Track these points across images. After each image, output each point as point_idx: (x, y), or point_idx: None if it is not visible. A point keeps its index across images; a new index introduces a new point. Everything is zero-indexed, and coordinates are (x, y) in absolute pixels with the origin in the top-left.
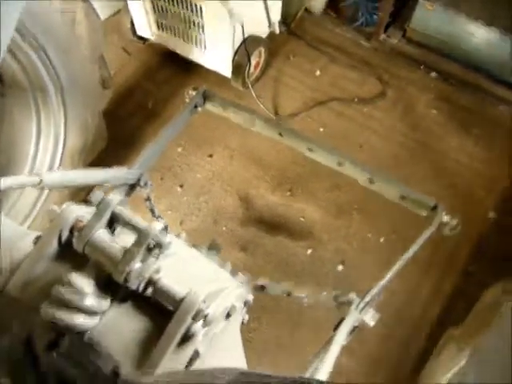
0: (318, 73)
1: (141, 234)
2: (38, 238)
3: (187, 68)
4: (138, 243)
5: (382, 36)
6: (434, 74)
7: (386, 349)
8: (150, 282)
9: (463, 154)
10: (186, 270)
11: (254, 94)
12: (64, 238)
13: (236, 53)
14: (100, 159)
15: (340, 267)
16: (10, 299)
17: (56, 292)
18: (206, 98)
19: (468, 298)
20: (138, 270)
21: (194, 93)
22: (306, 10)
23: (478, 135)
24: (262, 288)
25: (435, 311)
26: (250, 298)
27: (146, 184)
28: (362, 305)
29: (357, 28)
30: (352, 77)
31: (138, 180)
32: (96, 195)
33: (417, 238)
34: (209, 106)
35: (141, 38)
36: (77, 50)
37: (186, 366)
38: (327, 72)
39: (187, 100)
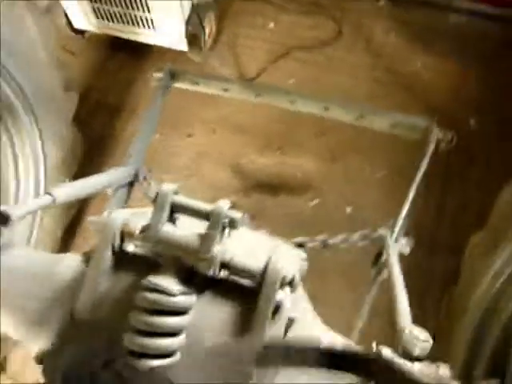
0: (271, 25)
1: (213, 215)
2: (86, 255)
3: (138, 52)
4: (213, 225)
5: None
6: (382, 2)
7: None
8: (224, 263)
9: (431, 71)
10: (244, 243)
11: (214, 63)
12: (117, 246)
13: (187, 23)
14: (80, 167)
15: (348, 210)
16: (81, 324)
17: (142, 299)
18: (173, 76)
19: (475, 210)
20: (220, 252)
21: (159, 74)
22: None
23: (441, 50)
24: (301, 246)
25: (445, 230)
26: (305, 258)
27: (145, 178)
28: (395, 235)
29: None
30: (306, 22)
31: (136, 176)
32: (152, 190)
33: (415, 163)
34: (178, 84)
35: (80, 32)
36: (33, 55)
37: (284, 334)
38: (280, 23)
39: (154, 84)
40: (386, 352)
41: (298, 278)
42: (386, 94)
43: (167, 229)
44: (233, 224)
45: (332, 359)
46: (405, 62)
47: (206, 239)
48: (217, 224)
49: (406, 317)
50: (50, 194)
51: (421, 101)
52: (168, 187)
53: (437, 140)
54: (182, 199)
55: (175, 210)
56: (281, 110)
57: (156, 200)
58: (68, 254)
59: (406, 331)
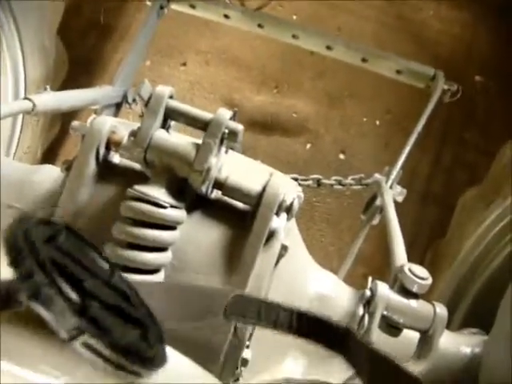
0: None
1: (212, 123)
2: (66, 163)
3: None
4: (211, 134)
5: None
6: None
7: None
8: (218, 182)
9: (442, 21)
10: (240, 165)
11: None
12: (101, 155)
13: None
14: (64, 89)
15: (342, 156)
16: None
17: (128, 209)
18: None
19: (470, 166)
20: (215, 166)
21: None
22: None
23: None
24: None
25: (438, 183)
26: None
27: (134, 100)
28: (390, 181)
29: None
30: None
31: (125, 97)
32: (145, 89)
33: (413, 113)
34: (174, 6)
35: None
36: None
37: (276, 264)
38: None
39: (149, 2)
40: (382, 288)
41: (296, 205)
42: (393, 41)
43: (160, 134)
44: (233, 136)
45: (305, 325)
46: (416, 8)
47: (202, 149)
48: (216, 133)
49: (402, 256)
50: (29, 99)
51: (428, 51)
52: (163, 89)
53: (442, 91)
54: (178, 104)
55: (170, 115)
56: (281, 47)
57: (149, 103)
58: (47, 165)
59: (406, 268)
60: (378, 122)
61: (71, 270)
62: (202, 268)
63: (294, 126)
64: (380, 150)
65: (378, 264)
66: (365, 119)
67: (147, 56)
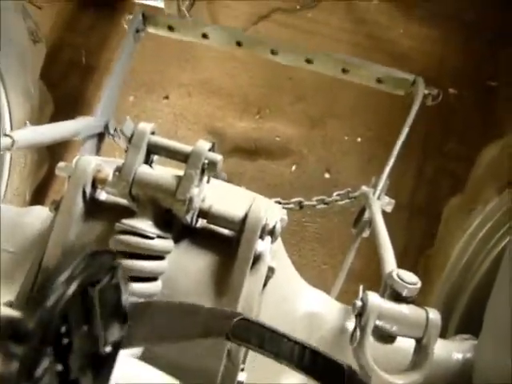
0: None
1: (192, 155)
2: (54, 203)
3: (111, 7)
4: (192, 165)
5: None
6: None
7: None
8: (202, 211)
9: (413, 38)
10: (222, 192)
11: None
12: (88, 194)
13: None
14: None
15: (327, 175)
16: (50, 273)
17: (116, 242)
18: (146, 18)
19: (453, 175)
20: (198, 196)
21: (131, 17)
22: None
23: (423, 16)
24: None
25: (423, 195)
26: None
27: (115, 130)
28: (378, 192)
29: None
30: None
31: (106, 128)
32: (127, 126)
33: (392, 128)
34: (151, 29)
35: None
36: None
37: (264, 286)
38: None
39: (126, 27)
40: (373, 297)
41: (278, 228)
42: (367, 58)
43: (143, 169)
44: (212, 166)
45: (307, 360)
46: (386, 27)
47: (184, 180)
48: (196, 164)
49: (392, 263)
50: (9, 136)
51: (401, 67)
52: (145, 126)
53: (423, 95)
54: (159, 139)
55: (152, 150)
56: (260, 74)
57: (131, 139)
58: (36, 207)
59: (394, 273)
60: (359, 139)
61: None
62: (191, 295)
63: (277, 149)
64: (363, 166)
65: (372, 280)
66: (346, 137)
67: (130, 91)
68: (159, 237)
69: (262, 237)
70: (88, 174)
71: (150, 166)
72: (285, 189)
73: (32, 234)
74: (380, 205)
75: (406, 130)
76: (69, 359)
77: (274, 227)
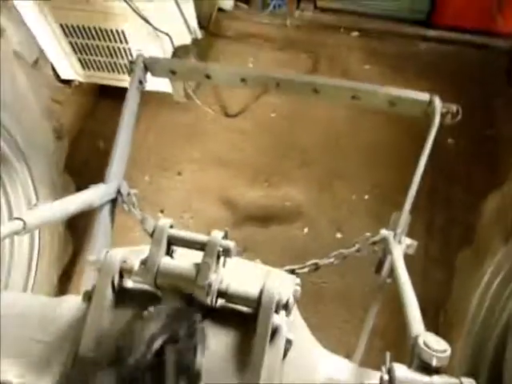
0: (250, 64)
1: (208, 244)
2: (87, 294)
3: (124, 97)
4: (208, 254)
5: (297, 12)
6: (355, 33)
7: None
8: (221, 292)
9: None
10: (238, 272)
11: (199, 102)
12: (116, 284)
13: None
14: (76, 219)
15: (339, 235)
16: (86, 362)
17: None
18: (147, 67)
19: (463, 224)
20: (216, 280)
21: (133, 64)
22: (219, 9)
23: (413, 76)
24: (293, 271)
25: (436, 246)
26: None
27: (129, 194)
28: (398, 235)
29: (271, 13)
30: (283, 58)
31: (119, 192)
32: (149, 224)
33: (397, 183)
34: (156, 76)
35: (66, 82)
36: (25, 107)
37: (284, 357)
38: (259, 60)
39: (129, 75)
40: (400, 371)
41: (292, 301)
42: (365, 116)
43: (165, 261)
44: (227, 252)
45: None
46: None
47: (202, 268)
48: (212, 253)
49: (417, 321)
50: (20, 218)
51: (397, 125)
52: (164, 222)
53: (441, 115)
54: (177, 232)
55: (172, 242)
56: (266, 145)
57: (153, 235)
58: (67, 296)
59: (420, 340)
60: (367, 197)
61: None
62: (217, 372)
63: (288, 213)
64: (374, 221)
65: (396, 338)
66: (354, 197)
67: (145, 171)
68: None
69: (277, 311)
70: (116, 266)
71: (171, 256)
72: (299, 251)
73: (65, 324)
74: (401, 249)
75: (426, 152)
76: None
77: (288, 301)
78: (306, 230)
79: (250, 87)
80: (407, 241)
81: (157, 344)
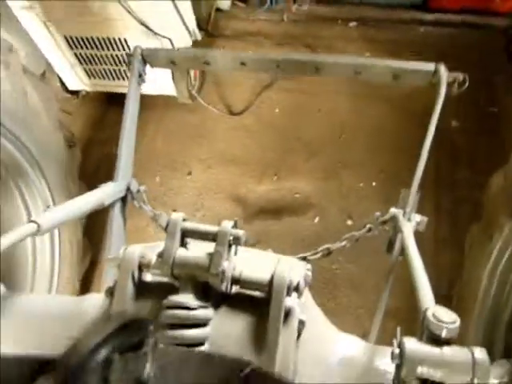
0: None
1: (219, 234)
2: (109, 289)
3: None
4: (220, 243)
5: (294, 7)
6: (352, 24)
7: None
8: (234, 279)
9: None
10: (250, 260)
11: (203, 103)
12: (136, 278)
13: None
14: (93, 226)
15: (349, 222)
16: None
17: (166, 316)
18: (145, 59)
19: (469, 203)
20: (228, 267)
21: (130, 56)
22: (217, 9)
23: (413, 60)
24: (305, 258)
25: (445, 227)
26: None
27: (138, 191)
28: (407, 213)
29: (269, 9)
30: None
31: (128, 190)
32: (163, 218)
33: (403, 168)
34: (155, 67)
35: (74, 93)
36: (38, 121)
37: (298, 337)
38: (261, 73)
39: (129, 68)
40: (411, 344)
41: (302, 284)
42: (368, 105)
43: (180, 252)
44: (237, 240)
45: None
46: None
47: (215, 256)
48: (223, 242)
49: (428, 297)
50: (34, 221)
51: (400, 108)
52: (177, 216)
53: (447, 84)
54: (190, 224)
55: (185, 234)
56: (271, 140)
57: (167, 228)
58: (88, 295)
59: (429, 313)
60: (374, 183)
61: None
62: (234, 354)
63: (298, 205)
64: (383, 207)
65: (410, 318)
66: (361, 184)
67: (156, 173)
68: (201, 307)
69: (288, 294)
70: (134, 262)
71: (185, 247)
72: (312, 241)
73: (91, 319)
74: (412, 227)
75: (434, 121)
76: None
77: (298, 284)
78: (316, 219)
79: (250, 70)
80: (417, 218)
81: (102, 352)
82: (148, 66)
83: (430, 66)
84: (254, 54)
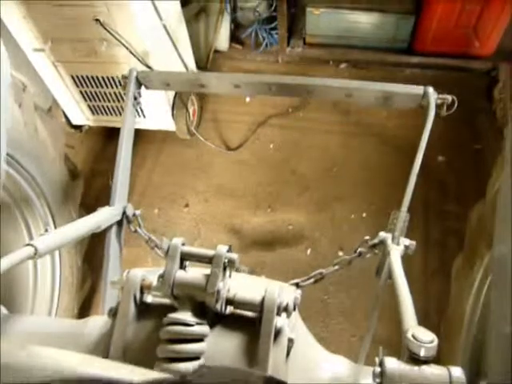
0: (247, 99)
1: (215, 257)
2: (111, 310)
3: None
4: (216, 265)
5: (288, 49)
6: (343, 65)
7: None
8: (229, 300)
9: (396, 119)
10: (243, 283)
11: (201, 138)
12: (138, 299)
13: (173, 107)
14: (92, 253)
15: (341, 253)
16: None
17: (166, 332)
18: (140, 81)
19: (457, 235)
20: (223, 288)
21: (125, 78)
22: (215, 51)
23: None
24: (297, 285)
25: (434, 257)
26: (299, 293)
27: (134, 215)
28: (396, 237)
29: (264, 51)
30: None
31: (124, 214)
32: (164, 244)
33: (391, 200)
34: (150, 89)
35: (76, 127)
36: (45, 153)
37: (287, 355)
38: (255, 97)
39: (124, 90)
40: (391, 363)
41: (291, 305)
42: (359, 142)
43: (180, 274)
44: (231, 263)
45: None
46: (370, 114)
47: (211, 276)
48: (219, 264)
49: (410, 318)
50: (31, 244)
51: (390, 144)
52: (177, 240)
53: (436, 106)
54: (188, 248)
55: (184, 257)
56: (266, 173)
57: (168, 252)
58: (90, 317)
59: (409, 333)
60: (364, 215)
61: None
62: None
63: (292, 236)
64: (373, 237)
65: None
66: (353, 216)
67: (154, 205)
68: (198, 324)
69: (278, 313)
70: (137, 284)
71: (184, 269)
72: (304, 271)
73: (95, 338)
74: (400, 251)
75: (423, 145)
76: None
77: (288, 305)
78: (309, 251)
79: (244, 93)
80: (406, 241)
81: None
82: (143, 88)
83: (419, 89)
84: (247, 76)
